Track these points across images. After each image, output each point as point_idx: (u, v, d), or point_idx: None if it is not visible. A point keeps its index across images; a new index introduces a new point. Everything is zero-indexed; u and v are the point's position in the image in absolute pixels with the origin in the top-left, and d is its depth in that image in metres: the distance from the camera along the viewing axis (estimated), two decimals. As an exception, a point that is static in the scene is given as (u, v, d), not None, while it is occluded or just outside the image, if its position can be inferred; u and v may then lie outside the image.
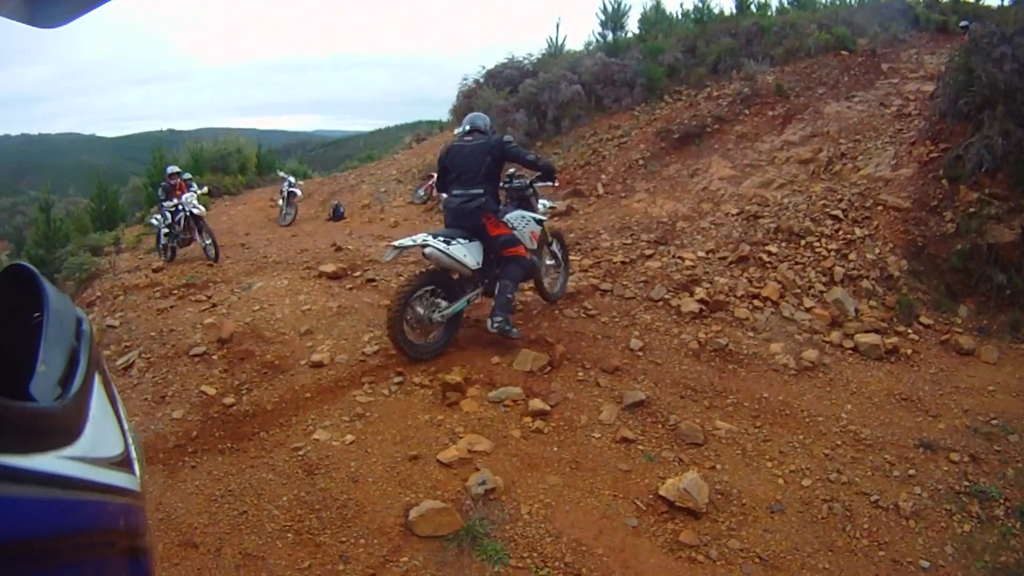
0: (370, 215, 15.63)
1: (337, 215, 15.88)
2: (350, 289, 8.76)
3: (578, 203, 11.71)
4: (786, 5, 19.98)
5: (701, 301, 7.26)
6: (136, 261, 13.02)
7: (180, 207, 12.65)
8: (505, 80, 16.08)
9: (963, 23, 14.61)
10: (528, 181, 7.33)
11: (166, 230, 12.86)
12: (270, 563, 4.26)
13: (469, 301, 6.65)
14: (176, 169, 13.88)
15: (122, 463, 1.59)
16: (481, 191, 6.54)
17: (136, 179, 25.84)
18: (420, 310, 6.45)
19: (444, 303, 6.55)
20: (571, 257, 8.66)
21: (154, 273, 10.96)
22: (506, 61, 17.00)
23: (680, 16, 18.70)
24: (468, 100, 16.26)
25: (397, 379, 6.07)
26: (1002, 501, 4.77)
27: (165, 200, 13.23)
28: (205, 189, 15.05)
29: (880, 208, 8.61)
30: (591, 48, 16.52)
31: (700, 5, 18.34)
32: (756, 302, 7.36)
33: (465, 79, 17.35)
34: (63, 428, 1.31)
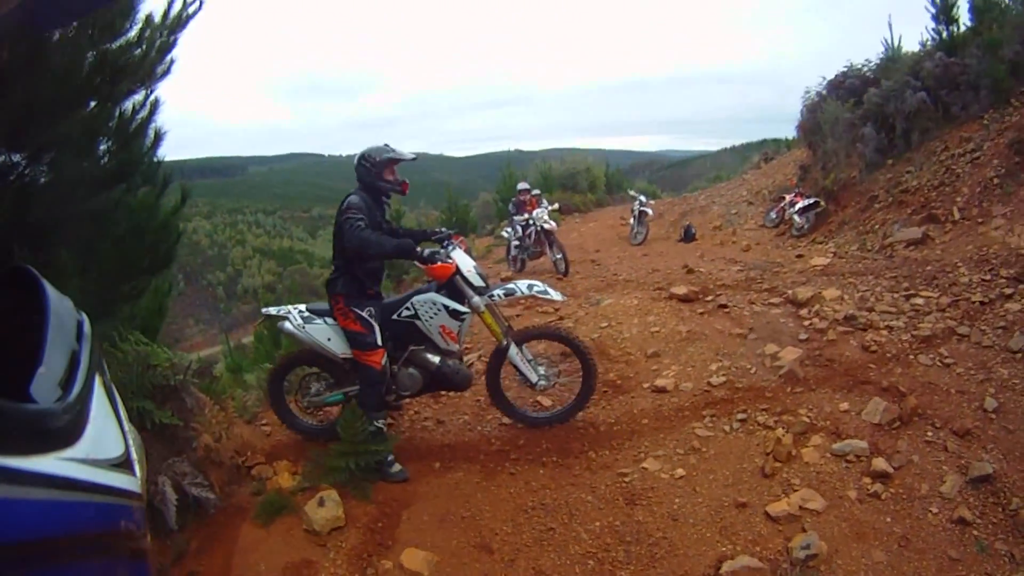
0: (721, 237, 15.82)
1: (688, 236, 16.37)
2: (701, 314, 8.75)
3: (934, 230, 11.01)
4: None
5: None
6: (486, 270, 14.43)
7: (531, 221, 13.60)
8: (848, 90, 15.56)
9: None
10: (444, 238, 6.19)
11: (516, 243, 13.90)
12: (561, 585, 4.29)
13: (347, 395, 5.96)
14: (526, 185, 14.98)
15: (122, 464, 1.70)
16: (335, 264, 5.72)
17: (485, 194, 27.89)
18: (311, 386, 6.12)
19: (316, 388, 6.11)
20: (928, 293, 8.28)
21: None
22: (846, 69, 16.42)
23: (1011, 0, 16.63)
24: (813, 115, 16.06)
25: (740, 415, 6.04)
26: None
27: (516, 214, 14.24)
28: (556, 205, 15.66)
29: None
30: (928, 47, 15.26)
31: (1035, -16, 16.13)
32: None
33: (808, 92, 17.02)
34: (64, 429, 1.40)
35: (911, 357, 6.90)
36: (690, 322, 8.39)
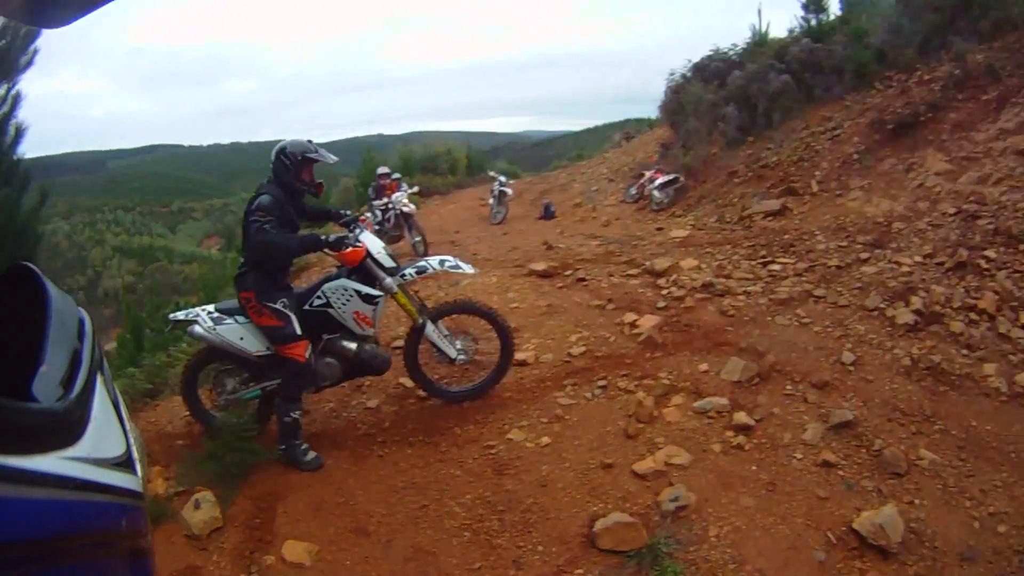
0: (581, 214, 15.92)
1: (548, 214, 16.39)
2: (560, 288, 8.81)
3: (792, 202, 11.40)
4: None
5: (916, 312, 6.87)
6: None
7: (390, 205, 13.43)
8: (713, 73, 15.86)
9: None
10: (351, 221, 6.00)
11: (377, 227, 13.49)
12: (440, 560, 4.39)
13: (265, 390, 5.72)
14: (386, 170, 14.90)
15: (124, 463, 1.68)
16: (243, 259, 5.47)
17: (347, 180, 27.27)
18: (227, 383, 5.83)
19: (232, 384, 5.81)
20: (785, 260, 8.68)
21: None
22: (711, 53, 16.73)
23: (882, -9, 17.47)
24: (676, 96, 16.29)
25: (601, 382, 6.10)
26: None
27: (375, 199, 14.08)
28: (415, 188, 15.70)
29: None
30: (795, 34, 15.93)
31: (902, -21, 17.04)
32: (972, 315, 6.79)
33: (672, 74, 17.24)
34: (65, 428, 1.37)
35: (768, 319, 7.21)
36: (549, 296, 8.40)
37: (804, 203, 11.32)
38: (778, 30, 16.71)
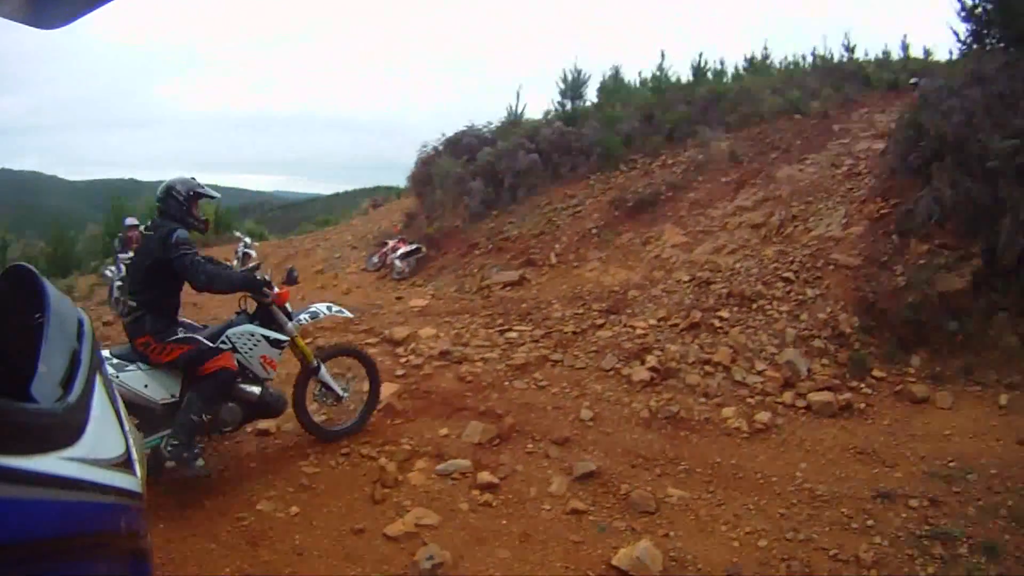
0: (323, 280, 15.63)
1: (291, 279, 15.55)
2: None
3: (531, 273, 11.71)
4: (741, 71, 20.42)
5: (652, 369, 7.20)
6: (88, 313, 13.16)
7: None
8: (464, 148, 16.11)
9: (913, 79, 14.80)
10: (257, 266, 6.32)
11: (119, 283, 12.54)
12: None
13: (164, 440, 5.21)
14: (134, 221, 13.73)
15: (123, 464, 1.65)
16: (136, 303, 5.25)
17: (94, 227, 25.84)
18: None
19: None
20: (522, 327, 8.82)
21: (104, 327, 10.69)
22: (465, 129, 17.04)
23: (638, 84, 19.01)
24: (426, 167, 16.40)
25: (344, 450, 6.01)
26: (965, 540, 4.71)
27: (121, 252, 13.10)
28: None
29: (831, 267, 8.66)
30: (550, 117, 16.79)
31: (658, 74, 18.58)
32: (707, 367, 7.27)
33: (424, 146, 17.35)
34: (64, 429, 1.35)
35: (507, 383, 7.27)
36: (288, 365, 7.85)
37: (543, 274, 11.68)
38: (535, 112, 17.68)
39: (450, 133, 17.10)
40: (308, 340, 8.14)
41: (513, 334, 8.69)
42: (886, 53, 20.03)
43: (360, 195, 47.69)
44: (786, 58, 21.31)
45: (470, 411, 6.66)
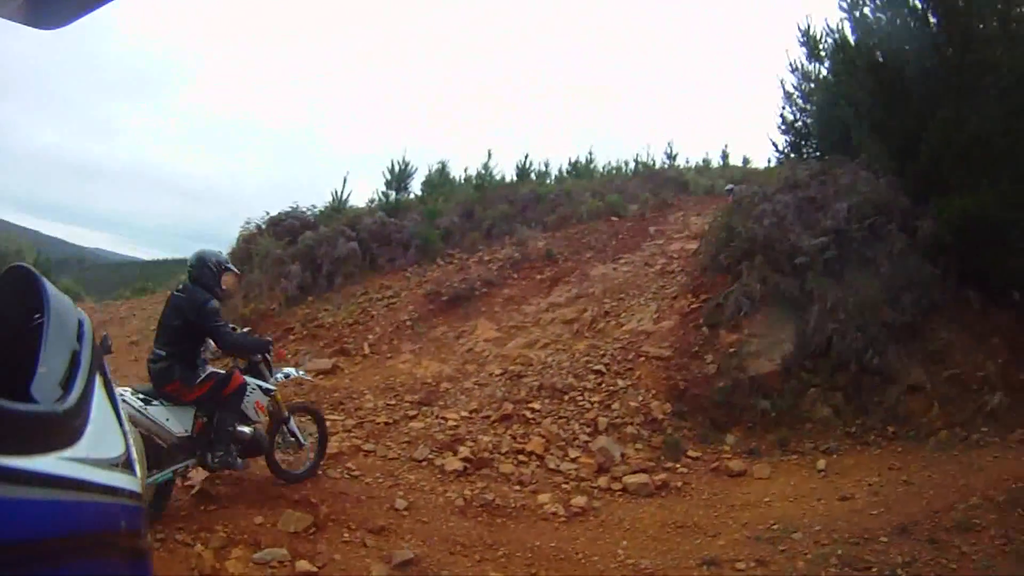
0: (137, 353, 14.67)
1: (104, 347, 14.66)
2: None
3: (344, 362, 11.65)
4: (564, 174, 21.27)
5: (465, 459, 7.39)
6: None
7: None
8: (286, 229, 15.90)
9: (728, 187, 16.08)
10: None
11: None
12: None
13: (176, 473, 6.09)
14: None
15: (123, 464, 1.62)
16: (164, 353, 6.00)
17: None
18: None
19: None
20: (335, 416, 8.78)
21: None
22: (289, 210, 16.86)
23: (463, 180, 19.46)
24: (247, 245, 16.02)
25: (159, 535, 5.78)
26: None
27: None
28: None
29: (642, 359, 9.10)
30: (373, 206, 16.92)
31: (483, 171, 19.11)
32: (521, 457, 7.52)
33: (248, 223, 16.96)
34: (64, 429, 1.32)
35: (320, 472, 7.25)
36: None
37: (356, 363, 11.61)
38: (360, 200, 17.71)
39: (274, 212, 16.89)
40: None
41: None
42: (706, 161, 21.98)
43: (179, 265, 45.90)
44: (609, 163, 22.67)
45: (284, 499, 6.59)
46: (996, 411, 7.66)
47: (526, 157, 20.15)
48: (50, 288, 1.72)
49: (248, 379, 6.28)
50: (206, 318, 5.92)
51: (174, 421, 5.91)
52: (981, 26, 8.79)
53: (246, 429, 6.30)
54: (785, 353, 8.41)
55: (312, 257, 14.58)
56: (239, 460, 6.16)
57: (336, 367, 11.47)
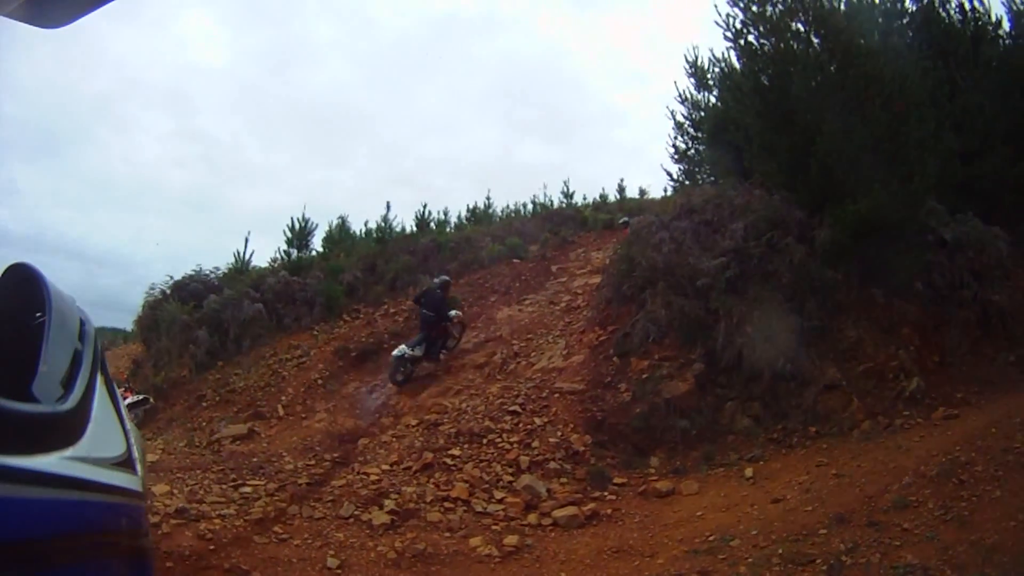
0: None
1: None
2: None
3: (260, 426, 11.63)
4: (464, 221, 21.66)
5: (391, 512, 7.44)
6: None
7: None
8: (191, 293, 15.70)
9: (623, 219, 16.54)
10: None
11: None
12: None
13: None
14: None
15: (124, 463, 1.64)
16: (434, 317, 11.72)
17: None
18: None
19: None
20: (256, 482, 8.79)
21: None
22: (193, 273, 16.65)
23: (363, 234, 19.53)
24: (153, 312, 15.73)
25: None
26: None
27: None
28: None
29: (556, 395, 9.40)
30: (276, 265, 16.93)
31: (383, 224, 19.14)
32: (447, 504, 7.63)
33: (152, 288, 16.63)
34: (65, 428, 1.34)
35: (248, 539, 7.17)
36: None
37: (272, 426, 11.66)
38: (263, 259, 17.75)
39: (178, 276, 16.65)
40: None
41: (247, 488, 8.57)
42: (603, 196, 22.46)
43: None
44: (508, 206, 23.05)
45: (215, 569, 6.52)
46: (915, 395, 8.20)
47: (424, 207, 20.47)
48: (52, 287, 1.74)
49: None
50: (445, 306, 12.13)
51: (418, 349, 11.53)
52: (863, 41, 9.37)
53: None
54: (697, 372, 8.79)
55: (219, 321, 14.49)
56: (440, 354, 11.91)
57: (252, 431, 11.46)
